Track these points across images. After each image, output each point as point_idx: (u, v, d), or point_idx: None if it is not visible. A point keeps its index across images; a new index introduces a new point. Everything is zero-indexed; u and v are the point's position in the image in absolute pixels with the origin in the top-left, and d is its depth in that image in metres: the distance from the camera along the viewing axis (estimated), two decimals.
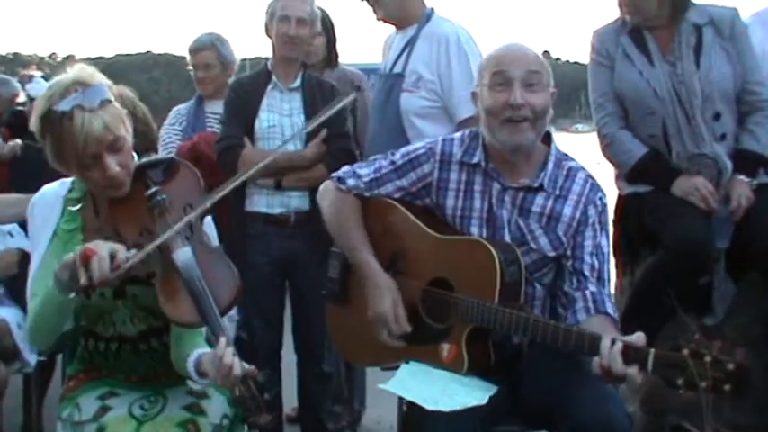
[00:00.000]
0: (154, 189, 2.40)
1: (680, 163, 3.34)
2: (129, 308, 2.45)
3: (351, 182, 2.82)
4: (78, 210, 2.47)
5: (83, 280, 2.14)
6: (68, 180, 2.55)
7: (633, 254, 3.50)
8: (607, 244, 2.68)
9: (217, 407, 2.47)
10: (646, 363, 2.18)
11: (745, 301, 3.38)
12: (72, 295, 2.21)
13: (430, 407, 2.36)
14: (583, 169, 2.71)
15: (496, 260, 2.48)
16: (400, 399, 2.84)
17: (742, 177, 3.30)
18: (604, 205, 2.69)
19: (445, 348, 2.56)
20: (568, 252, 2.63)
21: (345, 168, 2.89)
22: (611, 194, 3.61)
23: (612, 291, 2.76)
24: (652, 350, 2.18)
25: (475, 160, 2.69)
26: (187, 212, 2.37)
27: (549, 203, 2.64)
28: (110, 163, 2.31)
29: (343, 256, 2.85)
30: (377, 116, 3.88)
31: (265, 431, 2.15)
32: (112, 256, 2.16)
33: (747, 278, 3.37)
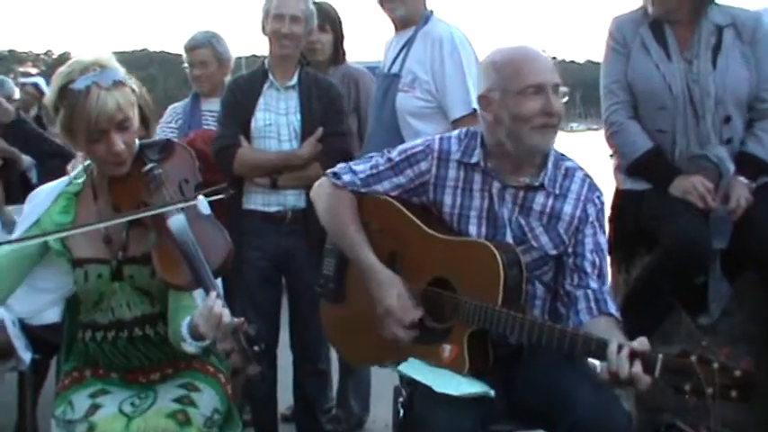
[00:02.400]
0: (151, 165, 2.51)
1: (681, 162, 3.33)
2: (126, 291, 2.50)
3: (347, 177, 2.79)
4: (76, 194, 2.59)
5: None
6: (66, 178, 2.65)
7: (629, 252, 3.50)
8: (605, 242, 2.69)
9: (208, 400, 2.50)
10: (654, 368, 2.19)
11: (740, 301, 3.39)
12: None
13: (439, 389, 2.38)
14: (580, 169, 2.72)
15: (500, 262, 2.47)
16: (395, 399, 2.84)
17: (742, 178, 3.28)
18: (602, 203, 2.71)
19: (446, 349, 2.55)
20: (570, 250, 2.64)
21: (341, 165, 2.88)
22: (609, 190, 3.62)
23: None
24: (660, 356, 2.19)
25: (474, 160, 2.68)
26: (182, 187, 2.53)
27: (550, 202, 2.65)
28: (116, 140, 2.44)
29: (339, 253, 2.83)
30: (374, 115, 3.91)
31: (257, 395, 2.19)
32: None
33: (743, 277, 3.37)
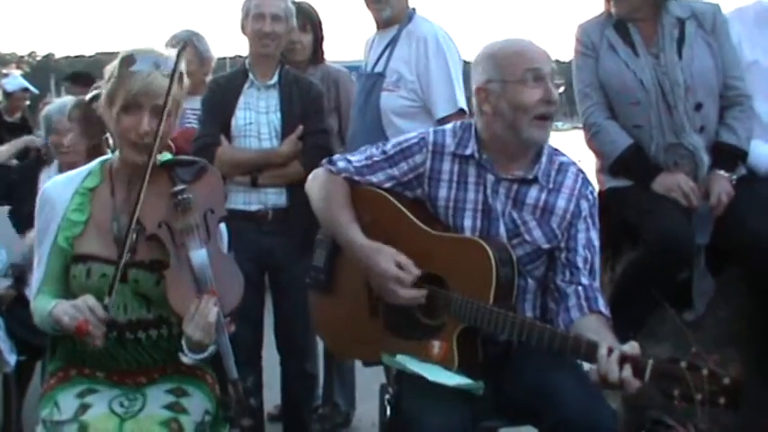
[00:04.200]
0: (181, 187, 2.47)
1: (657, 154, 3.35)
2: (126, 294, 2.46)
3: (341, 164, 2.79)
4: (92, 189, 2.55)
5: (92, 345, 2.30)
6: (84, 169, 2.61)
7: (614, 250, 3.51)
8: (597, 238, 2.69)
9: (198, 404, 2.47)
10: (644, 373, 2.20)
11: (724, 296, 3.40)
12: None
13: (432, 378, 2.39)
14: (573, 164, 2.73)
15: (493, 260, 2.46)
16: (382, 397, 2.84)
17: (722, 172, 3.30)
18: (595, 199, 2.71)
19: (436, 345, 2.54)
20: (562, 244, 2.64)
21: (337, 155, 2.89)
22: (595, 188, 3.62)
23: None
24: (651, 361, 2.20)
25: (468, 152, 2.68)
26: (207, 217, 2.49)
27: (543, 196, 2.65)
28: (145, 119, 2.42)
29: (329, 244, 2.81)
30: (357, 115, 3.90)
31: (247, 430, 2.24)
32: (93, 311, 2.28)
33: (727, 273, 3.38)
